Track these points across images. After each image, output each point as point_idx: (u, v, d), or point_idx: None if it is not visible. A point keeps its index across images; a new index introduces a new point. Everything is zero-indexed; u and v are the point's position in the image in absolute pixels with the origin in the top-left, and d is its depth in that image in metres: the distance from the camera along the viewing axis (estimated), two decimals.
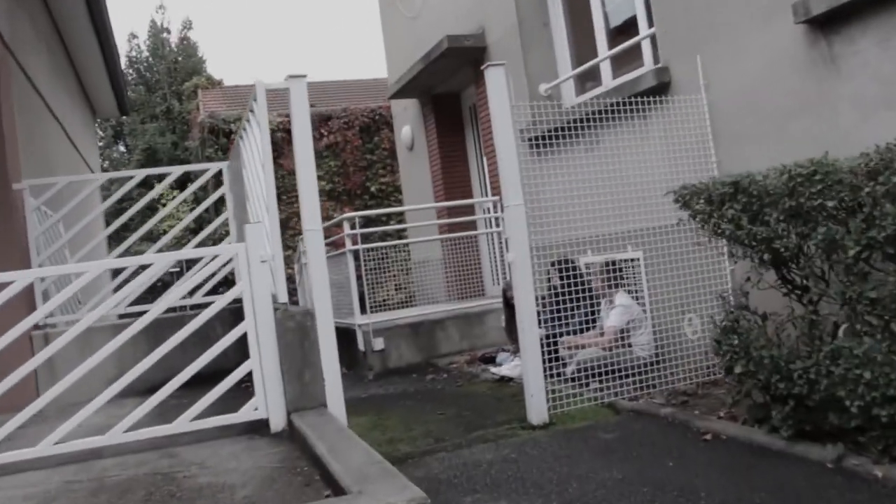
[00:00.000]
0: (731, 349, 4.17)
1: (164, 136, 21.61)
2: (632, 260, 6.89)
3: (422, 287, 11.54)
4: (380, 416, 6.18)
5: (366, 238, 9.35)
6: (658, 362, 6.14)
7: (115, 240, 20.90)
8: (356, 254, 8.75)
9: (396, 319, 8.86)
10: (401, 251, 11.94)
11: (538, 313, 5.53)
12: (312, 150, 4.94)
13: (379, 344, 8.63)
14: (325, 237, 5.51)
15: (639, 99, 6.08)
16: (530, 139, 7.81)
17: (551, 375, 5.63)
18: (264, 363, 4.76)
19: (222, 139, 19.06)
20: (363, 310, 8.83)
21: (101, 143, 24.15)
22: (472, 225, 10.51)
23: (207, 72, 23.50)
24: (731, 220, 4.07)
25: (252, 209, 6.13)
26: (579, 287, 5.94)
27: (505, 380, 7.02)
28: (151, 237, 19.90)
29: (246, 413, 4.79)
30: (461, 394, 6.83)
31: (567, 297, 5.87)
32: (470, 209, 10.57)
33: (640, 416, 5.14)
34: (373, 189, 19.87)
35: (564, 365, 6.49)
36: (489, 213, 10.23)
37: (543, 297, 7.26)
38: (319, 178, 19.85)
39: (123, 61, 24.39)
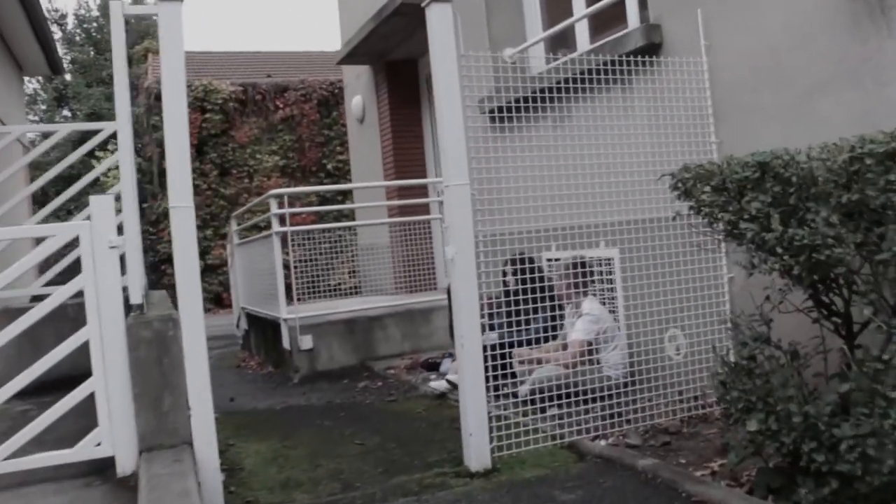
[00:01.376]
0: (743, 397, 2.93)
1: (111, 101, 19.99)
2: (604, 260, 5.67)
3: (368, 276, 10.24)
4: (285, 443, 4.89)
5: (306, 218, 8.03)
6: (632, 385, 4.92)
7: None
8: (284, 237, 7.43)
9: (329, 314, 7.56)
10: (355, 233, 10.64)
11: (489, 316, 4.31)
12: (185, 104, 3.61)
13: (307, 342, 7.34)
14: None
15: (621, 62, 4.80)
16: (490, 111, 6.54)
17: (501, 396, 4.40)
18: (111, 383, 3.44)
19: None
20: (290, 301, 7.53)
21: (43, 107, 22.50)
22: (424, 209, 9.22)
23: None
24: (756, 217, 2.81)
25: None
26: (539, 289, 4.69)
27: (446, 396, 5.76)
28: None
29: (85, 449, 3.47)
30: (392, 413, 5.55)
31: (524, 300, 4.63)
32: (422, 190, 9.27)
33: (610, 467, 3.89)
34: (329, 167, 18.50)
35: (517, 383, 5.27)
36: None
37: (493, 298, 6.05)
38: (273, 152, 18.69)
39: (71, 19, 22.76)
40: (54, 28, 21.99)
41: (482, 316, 4.08)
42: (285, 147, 18.57)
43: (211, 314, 15.79)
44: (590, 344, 5.25)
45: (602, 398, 4.62)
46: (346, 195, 15.89)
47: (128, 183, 3.74)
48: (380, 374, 7.10)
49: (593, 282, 5.51)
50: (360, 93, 10.75)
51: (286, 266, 8.47)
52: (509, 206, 4.47)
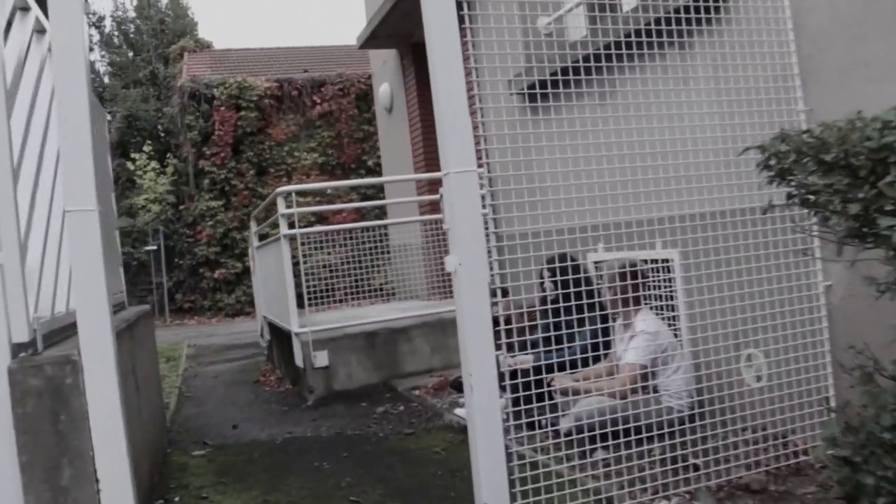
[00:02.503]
0: (887, 487, 1.87)
1: (148, 103, 19.36)
2: (662, 262, 4.62)
3: (401, 279, 9.27)
4: (268, 496, 3.92)
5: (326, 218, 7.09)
6: (699, 420, 3.86)
7: None
8: (293, 240, 6.49)
9: (347, 326, 6.59)
10: (386, 234, 9.67)
11: (519, 332, 3.32)
12: (86, 88, 2.61)
13: (322, 359, 6.38)
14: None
15: (678, 19, 3.71)
16: (521, 89, 5.53)
17: (535, 425, 3.39)
18: None
19: (204, 105, 16.79)
20: (304, 310, 6.59)
21: None
22: None
23: (198, 34, 21.18)
24: None
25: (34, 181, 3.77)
26: (584, 298, 3.65)
27: None
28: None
29: None
30: (405, 453, 4.54)
31: (566, 311, 3.61)
32: None
33: None
34: (370, 163, 17.55)
35: (556, 414, 4.26)
36: (482, 188, 7.92)
37: (525, 313, 5.06)
38: (311, 149, 17.80)
39: (108, 22, 22.20)
40: (92, 31, 21.52)
41: (498, 337, 3.06)
42: (324, 144, 17.70)
43: (248, 317, 15.03)
44: (644, 368, 4.20)
45: (662, 436, 3.57)
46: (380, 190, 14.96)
47: (3, 180, 2.76)
48: (403, 395, 6.12)
49: (648, 291, 4.45)
50: (386, 80, 9.77)
51: (297, 272, 7.59)
52: (544, 199, 3.45)
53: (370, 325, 6.62)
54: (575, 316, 3.56)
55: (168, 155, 17.87)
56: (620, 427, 3.59)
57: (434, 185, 8.18)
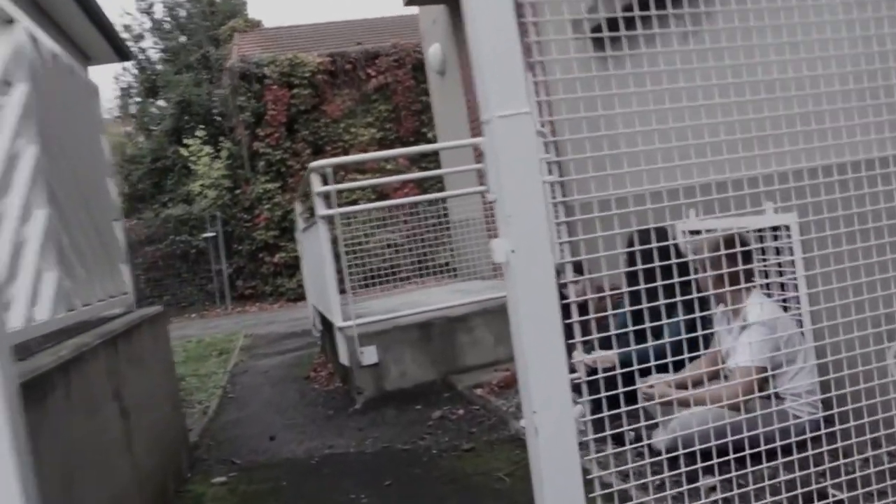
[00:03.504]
0: None
1: (201, 87, 18.76)
2: (774, 231, 3.63)
3: (463, 257, 8.36)
4: None
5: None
6: (828, 435, 2.87)
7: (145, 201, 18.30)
8: (332, 222, 5.62)
9: (398, 317, 5.71)
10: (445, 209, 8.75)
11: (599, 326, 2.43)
12: None
13: (370, 356, 5.53)
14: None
15: None
16: (591, 30, 4.49)
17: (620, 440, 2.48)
18: None
19: (255, 85, 16.07)
20: (345, 296, 5.72)
21: (138, 99, 21.52)
22: None
23: (247, 13, 20.51)
24: None
25: None
26: (674, 278, 2.69)
27: None
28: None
29: None
30: (461, 478, 3.64)
31: (648, 296, 2.68)
32: None
33: None
34: (430, 135, 16.54)
35: (648, 425, 3.35)
36: (546, 153, 6.91)
37: (607, 296, 4.12)
38: (368, 124, 16.91)
39: (159, 7, 21.66)
40: (144, 18, 21.06)
41: (571, 335, 2.15)
42: (381, 118, 16.84)
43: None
44: (763, 371, 3.22)
45: (787, 455, 2.63)
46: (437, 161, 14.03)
47: None
48: (464, 395, 5.22)
49: (758, 268, 3.48)
50: (437, 40, 8.82)
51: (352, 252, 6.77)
52: (619, 155, 2.48)
53: (424, 314, 5.72)
54: (662, 302, 2.60)
55: (221, 139, 17.24)
56: (733, 444, 2.64)
57: None
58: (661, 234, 3.88)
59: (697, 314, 2.83)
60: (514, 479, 3.48)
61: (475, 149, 7.88)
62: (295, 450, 4.65)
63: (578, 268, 4.39)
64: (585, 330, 2.26)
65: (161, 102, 20.28)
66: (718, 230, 3.39)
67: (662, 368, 3.75)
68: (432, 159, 14.08)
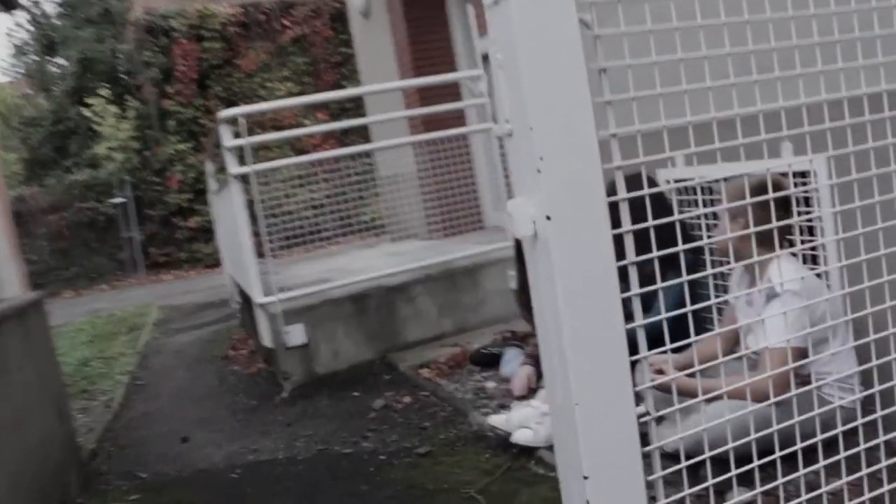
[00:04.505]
0: None
1: (103, 43, 17.28)
2: (799, 177, 2.95)
3: (393, 217, 7.53)
4: None
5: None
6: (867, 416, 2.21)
7: (47, 166, 16.81)
8: (247, 181, 4.74)
9: (328, 290, 4.88)
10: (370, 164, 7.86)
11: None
12: None
13: (297, 335, 4.70)
14: None
15: None
16: None
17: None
18: None
19: (162, 39, 14.78)
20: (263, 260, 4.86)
21: (35, 58, 19.78)
22: (457, 119, 6.47)
23: None
24: None
25: None
26: (665, 236, 1.97)
27: (531, 452, 3.06)
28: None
29: None
30: (421, 498, 2.88)
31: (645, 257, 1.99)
32: (451, 92, 6.44)
33: None
34: (350, 88, 15.60)
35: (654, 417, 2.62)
36: (485, 96, 6.08)
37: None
38: (286, 78, 15.72)
39: None
40: None
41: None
42: (298, 72, 15.74)
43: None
44: (802, 353, 2.53)
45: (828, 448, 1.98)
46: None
47: None
48: (408, 377, 4.44)
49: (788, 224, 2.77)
50: None
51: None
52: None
53: (358, 284, 4.90)
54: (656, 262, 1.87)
55: (127, 98, 15.88)
56: (766, 444, 1.96)
57: (427, 95, 6.39)
58: (651, 183, 3.17)
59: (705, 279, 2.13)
60: (489, 496, 2.72)
61: (405, 99, 7.03)
62: (213, 456, 3.81)
63: None
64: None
65: (61, 60, 18.68)
66: (745, 176, 2.67)
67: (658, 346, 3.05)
68: (354, 113, 13.11)
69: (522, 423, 3.04)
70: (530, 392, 3.83)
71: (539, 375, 3.94)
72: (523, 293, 3.98)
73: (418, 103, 6.53)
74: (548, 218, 1.18)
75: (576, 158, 1.18)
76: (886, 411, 1.95)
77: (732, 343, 2.91)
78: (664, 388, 2.64)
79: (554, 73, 1.13)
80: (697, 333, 1.98)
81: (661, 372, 2.64)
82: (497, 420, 3.13)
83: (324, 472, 3.31)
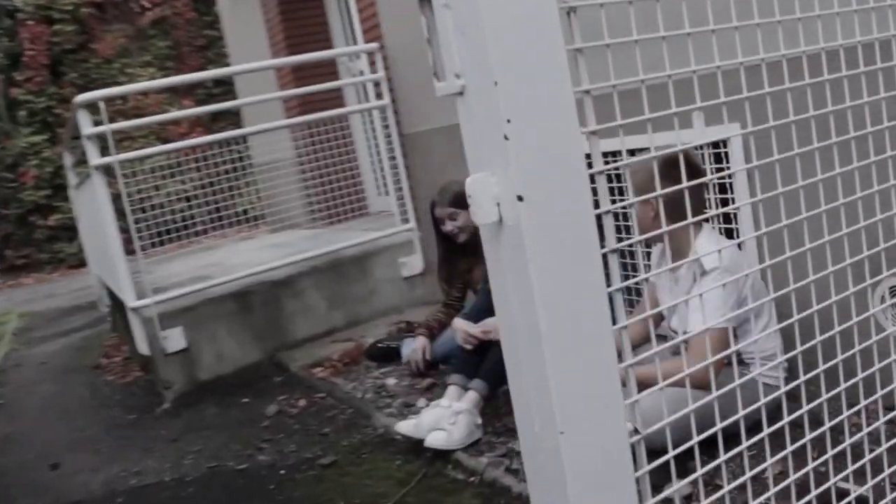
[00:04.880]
0: None
1: None
2: (713, 148, 2.81)
3: (271, 206, 7.14)
4: None
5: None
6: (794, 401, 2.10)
7: None
8: (111, 173, 4.30)
9: (207, 288, 4.49)
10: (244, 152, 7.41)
11: None
12: None
13: (177, 340, 4.31)
14: None
15: None
16: None
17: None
18: None
19: (6, 21, 13.72)
20: (133, 258, 4.44)
21: None
22: (336, 100, 6.15)
23: None
24: None
25: None
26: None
27: (443, 455, 2.81)
28: None
29: None
30: None
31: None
32: (328, 71, 6.11)
33: None
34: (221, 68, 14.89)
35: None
36: (363, 74, 5.77)
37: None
38: (147, 64, 14.87)
39: None
40: None
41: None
42: (160, 56, 14.92)
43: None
44: (733, 331, 2.39)
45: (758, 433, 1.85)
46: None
47: None
48: (301, 378, 4.13)
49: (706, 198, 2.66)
50: None
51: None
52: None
53: (240, 280, 4.54)
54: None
55: None
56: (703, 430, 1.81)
57: (303, 76, 6.04)
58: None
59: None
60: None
61: (279, 82, 6.65)
62: (89, 483, 3.40)
63: (460, 201, 3.42)
64: None
65: None
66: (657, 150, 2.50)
67: None
68: (222, 99, 12.49)
69: (434, 427, 2.81)
70: (428, 367, 3.63)
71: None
72: (446, 266, 3.76)
73: (293, 84, 6.17)
74: (519, 199, 0.93)
75: (554, 120, 0.94)
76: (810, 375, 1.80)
77: (654, 326, 2.75)
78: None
79: (525, 9, 0.88)
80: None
81: None
82: (405, 427, 2.88)
83: (219, 492, 2.98)
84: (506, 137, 0.94)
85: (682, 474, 2.08)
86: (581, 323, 0.99)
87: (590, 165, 1.02)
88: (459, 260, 3.68)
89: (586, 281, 1.00)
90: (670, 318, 2.57)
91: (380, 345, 4.08)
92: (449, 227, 3.54)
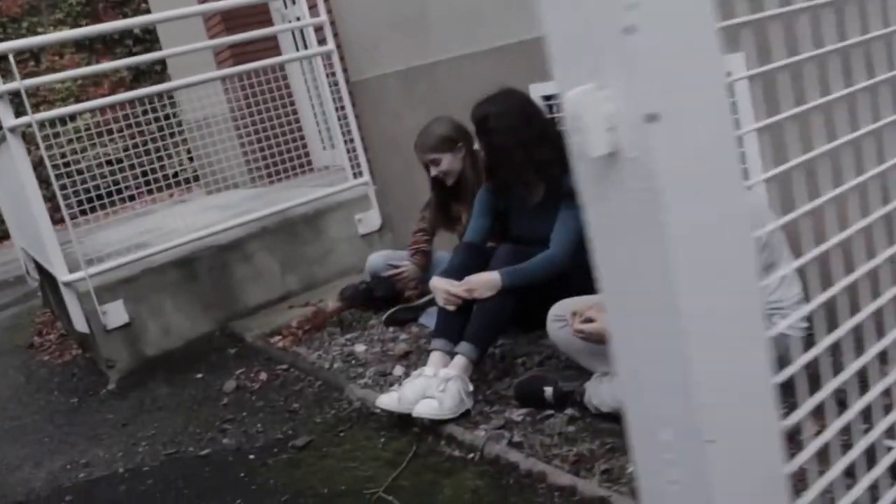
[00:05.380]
0: None
1: None
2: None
3: (207, 166, 6.68)
4: None
5: None
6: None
7: None
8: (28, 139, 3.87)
9: (148, 256, 4.10)
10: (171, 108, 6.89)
11: None
12: None
13: (118, 314, 3.94)
14: None
15: None
16: None
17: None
18: None
19: None
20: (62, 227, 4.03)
21: None
22: (272, 49, 5.73)
23: None
24: None
25: None
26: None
27: (431, 425, 2.54)
28: None
29: None
30: None
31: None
32: (262, 19, 5.68)
33: None
34: (136, 31, 14.12)
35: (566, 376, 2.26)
36: (298, 19, 5.36)
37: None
38: (60, 22, 14.03)
39: None
40: None
41: None
42: (73, 14, 14.10)
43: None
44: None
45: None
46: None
47: None
48: (259, 349, 3.81)
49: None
50: None
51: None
52: None
53: (182, 246, 4.16)
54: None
55: None
56: None
57: (234, 25, 5.60)
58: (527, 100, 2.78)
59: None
60: (402, 495, 2.20)
61: (209, 26, 6.18)
62: (32, 480, 3.05)
63: (440, 144, 3.15)
64: None
65: None
66: None
67: (565, 287, 2.66)
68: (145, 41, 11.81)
69: (420, 397, 2.54)
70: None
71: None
72: (441, 212, 3.49)
73: (224, 35, 5.72)
74: (651, 118, 0.64)
75: (693, 6, 0.65)
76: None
77: None
78: (595, 339, 2.22)
79: None
80: None
81: (590, 320, 2.21)
82: (387, 401, 2.59)
83: (181, 484, 2.67)
84: (628, 31, 0.65)
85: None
86: (734, 298, 0.73)
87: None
88: (451, 205, 3.44)
89: (738, 238, 0.73)
90: None
91: (361, 285, 3.81)
92: (434, 172, 3.29)
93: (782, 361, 2.18)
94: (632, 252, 0.74)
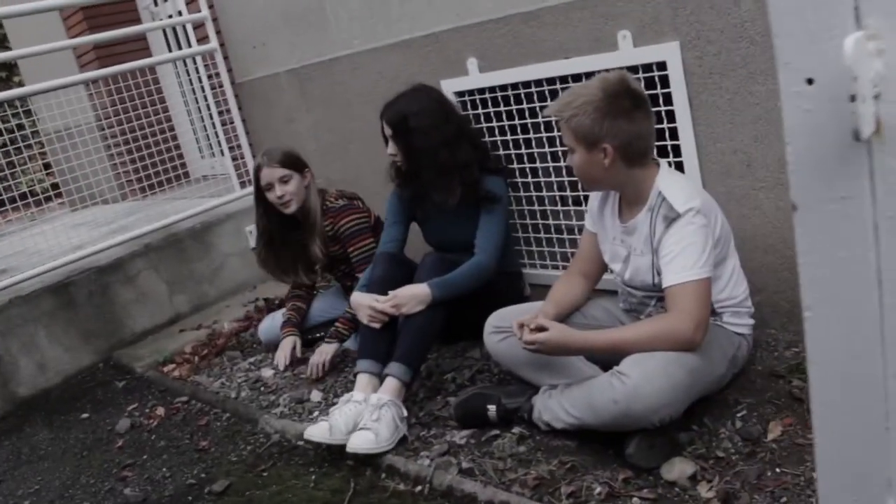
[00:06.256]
0: None
1: None
2: (646, 71, 2.45)
3: (69, 180, 6.16)
4: None
5: None
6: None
7: None
8: None
9: (13, 284, 3.67)
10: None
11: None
12: None
13: None
14: None
15: None
16: None
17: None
18: None
19: None
20: None
21: None
22: (142, 51, 5.34)
23: None
24: None
25: None
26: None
27: (372, 458, 2.31)
28: None
29: None
30: None
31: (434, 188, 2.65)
32: (129, 18, 5.27)
33: None
34: None
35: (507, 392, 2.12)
36: (171, 16, 4.98)
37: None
38: None
39: None
40: None
41: None
42: None
43: None
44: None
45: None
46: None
47: None
48: (151, 381, 3.46)
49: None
50: None
51: None
52: None
53: (55, 271, 3.76)
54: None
55: None
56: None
57: (98, 24, 5.17)
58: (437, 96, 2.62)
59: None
60: None
61: (68, 25, 5.70)
62: None
63: (292, 161, 2.94)
64: None
65: None
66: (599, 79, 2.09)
67: (496, 297, 2.50)
68: None
69: (353, 427, 2.31)
70: (294, 362, 3.13)
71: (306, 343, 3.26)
72: (272, 249, 3.22)
73: (84, 24, 5.30)
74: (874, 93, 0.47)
75: None
76: None
77: (594, 281, 2.39)
78: (548, 350, 2.07)
79: None
80: None
81: (541, 329, 2.05)
82: (317, 432, 2.35)
83: None
84: None
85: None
86: None
87: None
88: (290, 235, 3.19)
89: None
90: (624, 271, 2.20)
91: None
92: (279, 192, 3.05)
93: (735, 360, 2.12)
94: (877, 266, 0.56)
